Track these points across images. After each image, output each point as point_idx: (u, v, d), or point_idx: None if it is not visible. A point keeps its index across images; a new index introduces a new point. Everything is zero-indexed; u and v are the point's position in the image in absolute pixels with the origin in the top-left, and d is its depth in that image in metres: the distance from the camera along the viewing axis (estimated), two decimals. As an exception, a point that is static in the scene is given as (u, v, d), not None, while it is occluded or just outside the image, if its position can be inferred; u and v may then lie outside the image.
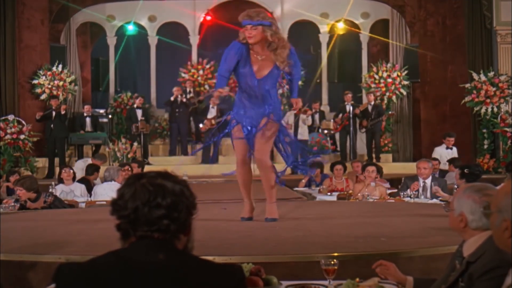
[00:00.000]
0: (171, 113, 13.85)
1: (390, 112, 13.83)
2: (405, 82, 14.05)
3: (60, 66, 13.70)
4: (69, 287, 1.84)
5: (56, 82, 13.54)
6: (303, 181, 9.66)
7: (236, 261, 3.32)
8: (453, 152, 11.02)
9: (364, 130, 13.16)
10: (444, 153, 11.02)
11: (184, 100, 13.64)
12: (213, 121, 13.24)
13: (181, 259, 1.86)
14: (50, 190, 7.58)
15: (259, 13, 5.13)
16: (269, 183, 5.31)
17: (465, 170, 7.14)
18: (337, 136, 13.76)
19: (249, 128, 5.19)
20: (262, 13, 5.16)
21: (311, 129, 13.43)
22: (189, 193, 1.91)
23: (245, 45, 5.14)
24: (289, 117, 12.79)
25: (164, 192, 1.85)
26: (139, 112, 13.66)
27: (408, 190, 7.14)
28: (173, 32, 15.71)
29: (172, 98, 13.67)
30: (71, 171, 8.31)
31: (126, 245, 1.88)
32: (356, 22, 15.57)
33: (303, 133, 12.70)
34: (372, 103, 13.10)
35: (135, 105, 13.87)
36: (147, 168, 10.35)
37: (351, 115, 13.03)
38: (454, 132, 11.67)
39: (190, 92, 14.25)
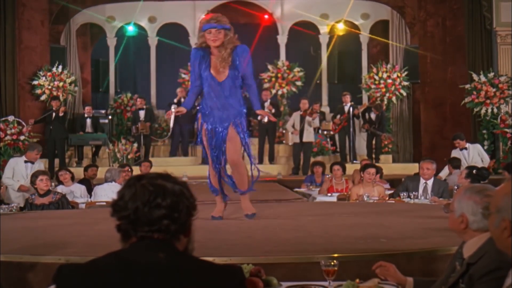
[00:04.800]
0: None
1: (389, 135, 13.92)
2: (405, 83, 14.06)
3: (60, 67, 13.70)
4: (69, 287, 1.84)
5: (56, 83, 13.54)
6: None
7: (236, 262, 3.32)
8: (471, 152, 10.33)
9: (365, 130, 13.18)
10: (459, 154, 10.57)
11: None
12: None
13: (181, 260, 1.87)
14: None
15: (222, 18, 5.35)
16: (242, 182, 5.45)
17: (474, 171, 7.12)
18: (337, 137, 13.77)
19: (210, 128, 5.37)
20: (225, 18, 5.38)
21: (311, 130, 13.44)
22: (189, 194, 1.91)
23: (205, 50, 5.34)
24: (295, 119, 12.77)
25: (164, 192, 1.86)
26: (142, 113, 13.66)
27: (406, 192, 7.15)
28: (173, 33, 15.72)
29: (175, 100, 13.67)
30: (68, 172, 8.33)
31: (127, 246, 1.88)
32: (356, 23, 15.58)
33: (309, 136, 12.68)
34: (377, 112, 13.10)
35: (138, 107, 13.87)
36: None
37: (350, 116, 13.04)
38: (454, 133, 11.39)
39: (197, 93, 14.24)
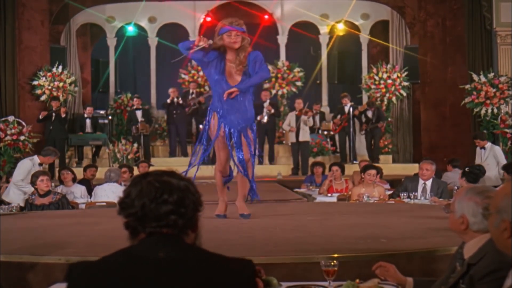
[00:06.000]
0: (168, 115, 13.88)
1: (389, 119, 13.83)
2: (405, 83, 14.06)
3: (60, 67, 13.70)
4: (81, 286, 1.84)
5: (56, 83, 13.54)
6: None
7: (236, 262, 3.32)
8: (486, 152, 10.18)
9: (363, 132, 13.20)
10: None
11: (181, 102, 13.65)
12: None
13: (192, 254, 1.88)
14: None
15: (240, 21, 5.39)
16: (246, 184, 5.62)
17: (466, 169, 7.18)
18: (337, 137, 13.78)
19: (227, 130, 5.46)
20: (241, 21, 5.42)
21: (311, 130, 13.45)
22: (194, 189, 1.94)
23: (222, 54, 5.38)
24: (291, 119, 12.79)
25: (170, 188, 1.88)
26: (139, 114, 13.67)
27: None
28: (173, 33, 15.70)
29: (168, 100, 13.69)
30: (69, 173, 8.32)
31: (136, 242, 1.89)
32: (356, 23, 15.58)
33: (304, 135, 12.70)
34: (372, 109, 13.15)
35: (134, 107, 13.89)
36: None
37: (350, 116, 13.05)
38: (454, 133, 11.40)
39: (193, 93, 14.27)
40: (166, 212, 1.85)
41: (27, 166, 8.26)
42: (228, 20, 5.37)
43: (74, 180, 8.35)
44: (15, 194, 8.14)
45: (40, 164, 8.33)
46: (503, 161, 10.26)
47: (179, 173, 1.96)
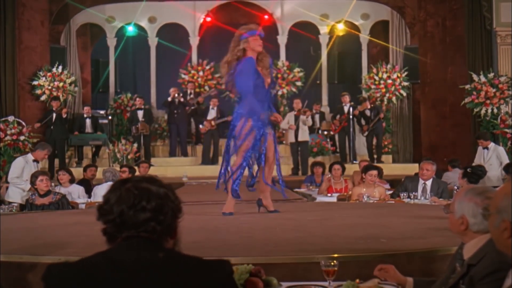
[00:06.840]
0: (169, 114, 13.86)
1: (383, 110, 13.73)
2: (405, 83, 14.07)
3: (60, 67, 13.70)
4: (58, 287, 1.85)
5: (56, 83, 13.54)
6: None
7: (236, 262, 3.31)
8: (489, 152, 10.12)
9: (366, 133, 13.17)
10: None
11: (182, 100, 13.63)
12: (212, 122, 13.25)
13: (168, 257, 1.88)
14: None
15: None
16: (271, 175, 5.93)
17: (468, 170, 7.16)
18: (337, 137, 13.78)
19: (261, 131, 5.76)
20: None
21: (311, 130, 13.46)
22: (174, 196, 1.93)
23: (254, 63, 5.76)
24: (290, 118, 12.82)
25: (149, 195, 1.87)
26: (140, 113, 13.66)
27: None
28: (173, 33, 15.71)
29: (169, 99, 13.67)
30: (66, 173, 8.30)
31: (114, 245, 1.90)
32: (356, 23, 15.58)
33: (303, 134, 12.72)
34: (369, 106, 13.15)
35: (136, 107, 13.88)
36: (151, 170, 10.38)
37: (350, 116, 13.05)
38: (454, 133, 11.35)
39: (191, 93, 14.26)
40: (145, 220, 1.85)
41: (20, 163, 8.33)
42: (249, 26, 5.79)
43: (72, 180, 8.32)
44: (14, 192, 8.18)
45: (36, 161, 8.37)
46: (507, 161, 10.24)
47: (159, 179, 1.95)
